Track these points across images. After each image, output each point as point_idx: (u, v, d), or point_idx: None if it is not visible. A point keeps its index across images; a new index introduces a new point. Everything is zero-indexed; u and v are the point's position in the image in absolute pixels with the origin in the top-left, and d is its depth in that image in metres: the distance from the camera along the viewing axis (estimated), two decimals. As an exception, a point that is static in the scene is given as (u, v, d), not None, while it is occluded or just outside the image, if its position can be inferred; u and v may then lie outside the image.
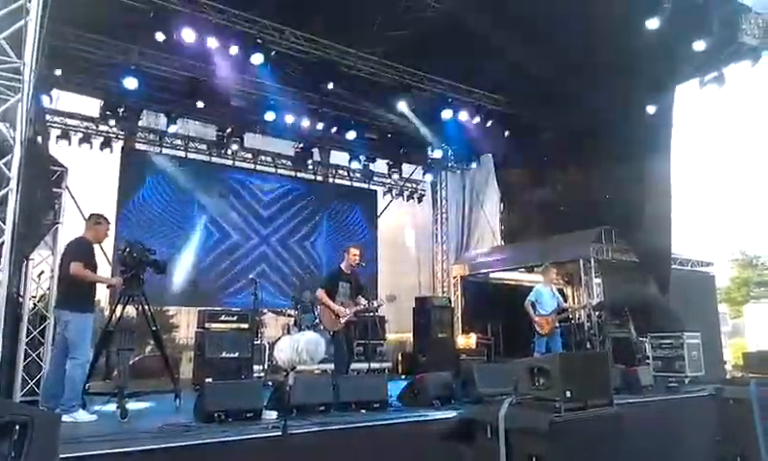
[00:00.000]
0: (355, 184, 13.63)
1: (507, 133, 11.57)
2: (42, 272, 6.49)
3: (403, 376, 9.52)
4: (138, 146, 11.08)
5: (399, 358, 11.22)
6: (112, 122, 10.28)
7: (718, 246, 26.70)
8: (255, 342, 8.45)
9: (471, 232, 14.16)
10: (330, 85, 9.53)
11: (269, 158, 12.39)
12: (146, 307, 5.71)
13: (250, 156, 12.12)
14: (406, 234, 14.35)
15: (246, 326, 8.27)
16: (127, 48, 8.92)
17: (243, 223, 11.79)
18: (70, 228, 6.45)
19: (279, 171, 12.55)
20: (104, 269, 6.69)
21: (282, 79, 9.69)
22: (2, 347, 3.58)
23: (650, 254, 9.84)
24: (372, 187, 13.78)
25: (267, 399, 5.21)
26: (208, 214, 11.40)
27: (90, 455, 3.42)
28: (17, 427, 2.41)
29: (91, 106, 10.31)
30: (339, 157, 13.16)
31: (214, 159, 11.78)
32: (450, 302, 12.09)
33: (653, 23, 7.83)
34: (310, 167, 12.87)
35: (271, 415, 4.91)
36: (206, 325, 8.12)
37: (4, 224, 3.55)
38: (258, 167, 12.29)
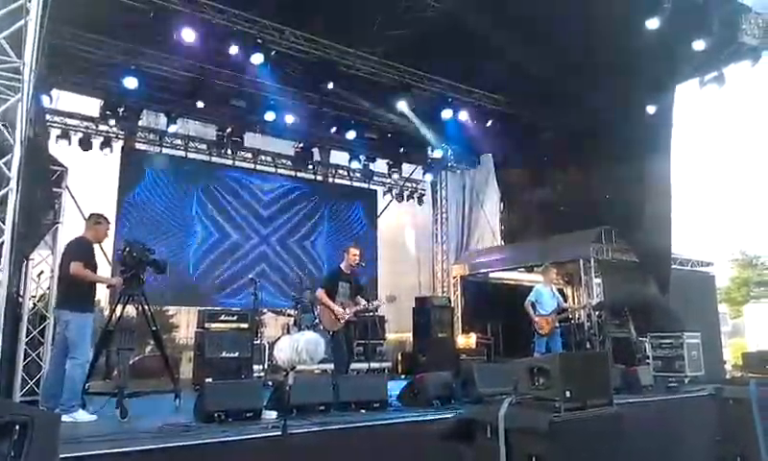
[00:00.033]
0: (355, 184, 13.63)
1: (507, 133, 11.57)
2: (42, 272, 6.50)
3: (403, 376, 9.52)
4: (138, 146, 11.08)
5: (399, 358, 11.23)
6: (112, 122, 10.29)
7: (718, 246, 26.72)
8: (255, 342, 8.45)
9: (471, 232, 14.16)
10: (330, 85, 9.52)
11: (269, 158, 12.38)
12: (146, 307, 5.71)
13: (250, 155, 12.12)
14: (406, 234, 14.35)
15: (246, 325, 8.27)
16: (127, 48, 8.93)
17: (243, 223, 11.79)
18: (70, 227, 6.46)
19: (279, 171, 12.55)
20: (104, 269, 6.69)
21: (282, 79, 9.69)
22: (2, 347, 3.58)
23: (650, 254, 9.84)
24: (372, 187, 13.78)
25: (267, 398, 5.21)
26: (208, 214, 11.40)
27: (90, 455, 3.41)
28: (17, 427, 2.40)
29: (91, 105, 10.31)
30: (339, 157, 13.17)
31: (214, 159, 11.78)
32: (450, 301, 12.09)
33: (653, 23, 7.83)
34: (310, 167, 12.88)
35: (271, 415, 4.91)
36: (206, 324, 8.12)
37: (4, 224, 3.55)
38: (258, 167, 12.28)
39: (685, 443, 5.52)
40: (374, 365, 9.43)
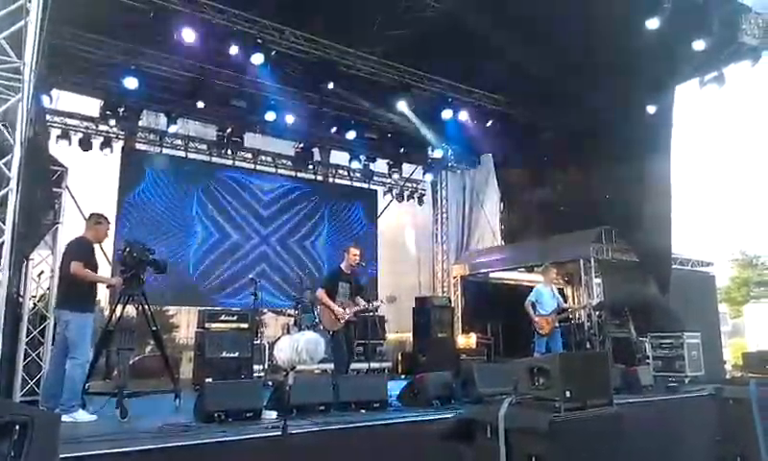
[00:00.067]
0: (355, 184, 13.63)
1: (507, 133, 11.57)
2: (42, 272, 6.49)
3: (403, 376, 9.52)
4: (138, 146, 11.08)
5: (399, 358, 11.23)
6: (112, 122, 10.29)
7: (718, 246, 26.71)
8: (255, 342, 8.45)
9: (471, 232, 14.16)
10: (330, 85, 9.52)
11: (269, 158, 12.38)
12: (146, 307, 5.71)
13: (250, 155, 12.12)
14: (406, 234, 14.35)
15: (246, 325, 8.27)
16: (127, 48, 8.93)
17: (243, 223, 11.79)
18: (70, 227, 6.45)
19: (280, 171, 12.55)
20: (104, 269, 6.68)
21: (282, 79, 9.69)
22: (2, 347, 3.58)
23: (650, 254, 9.84)
24: (373, 187, 13.78)
25: (267, 398, 5.21)
26: (208, 214, 11.40)
27: (90, 455, 3.42)
28: (17, 427, 2.40)
29: (91, 106, 10.32)
30: (339, 157, 13.17)
31: (214, 159, 11.78)
32: (450, 301, 12.09)
33: (653, 23, 7.83)
34: (310, 167, 12.88)
35: (271, 415, 4.92)
36: (206, 324, 8.12)
37: (4, 224, 3.56)
38: (258, 167, 12.28)
39: (685, 443, 5.53)
40: (374, 365, 9.42)
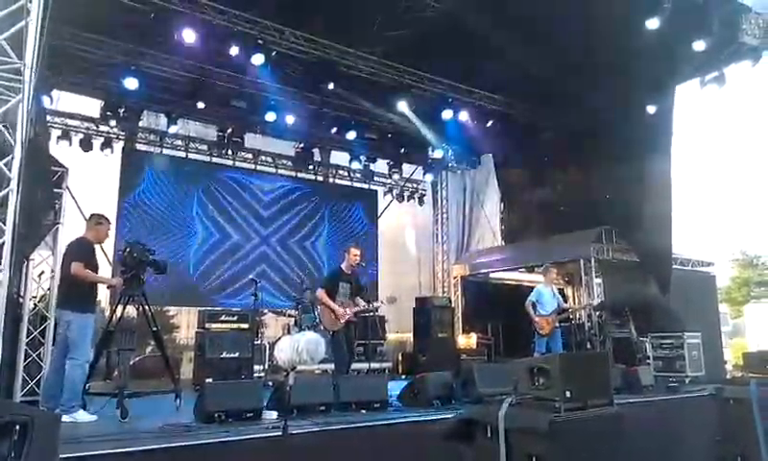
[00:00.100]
0: (356, 185, 13.63)
1: (507, 133, 11.57)
2: (42, 272, 6.49)
3: (403, 376, 9.53)
4: (139, 146, 11.07)
5: (400, 358, 11.23)
6: (113, 122, 10.29)
7: (718, 246, 26.69)
8: (256, 342, 8.45)
9: (472, 232, 14.16)
10: (330, 85, 9.53)
11: (269, 159, 12.38)
12: (146, 308, 5.70)
13: (250, 156, 12.12)
14: (406, 234, 14.35)
15: (246, 326, 8.29)
16: (127, 48, 8.93)
17: (243, 223, 11.80)
18: (71, 228, 6.45)
19: (280, 171, 12.55)
20: (104, 269, 6.68)
21: (282, 79, 9.69)
22: (2, 347, 3.58)
23: (650, 254, 9.84)
24: (373, 187, 13.78)
25: (267, 399, 5.21)
26: (209, 214, 11.41)
27: (90, 455, 3.42)
28: (17, 428, 2.41)
29: (92, 106, 10.32)
30: (339, 158, 13.17)
31: (215, 160, 11.78)
32: (450, 302, 12.10)
33: (653, 23, 7.83)
34: (310, 167, 12.88)
35: (271, 415, 4.92)
36: (207, 325, 8.13)
37: (4, 224, 3.56)
38: (259, 167, 12.28)
39: (686, 443, 5.52)
40: (375, 365, 9.42)
